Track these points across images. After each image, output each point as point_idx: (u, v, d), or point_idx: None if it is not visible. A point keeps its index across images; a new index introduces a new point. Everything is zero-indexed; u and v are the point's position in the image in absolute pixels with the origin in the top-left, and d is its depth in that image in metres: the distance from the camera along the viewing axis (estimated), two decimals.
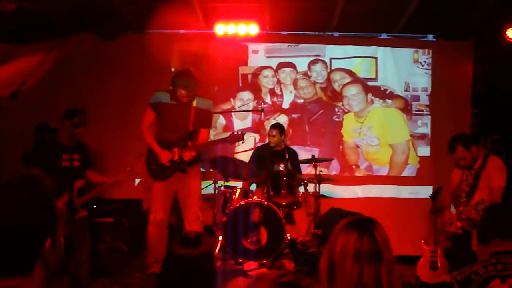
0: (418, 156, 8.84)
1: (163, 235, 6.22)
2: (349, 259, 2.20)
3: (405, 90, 8.94)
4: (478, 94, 8.69)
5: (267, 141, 7.98)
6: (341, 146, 8.89)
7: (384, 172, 8.88)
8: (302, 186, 7.43)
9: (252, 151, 7.96)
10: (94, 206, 7.18)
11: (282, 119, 8.76)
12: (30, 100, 7.96)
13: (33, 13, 7.67)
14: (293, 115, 8.91)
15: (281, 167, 7.33)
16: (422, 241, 5.89)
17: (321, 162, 7.80)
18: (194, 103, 6.20)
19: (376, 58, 8.99)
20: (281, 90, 8.99)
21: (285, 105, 8.93)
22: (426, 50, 8.97)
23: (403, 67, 8.94)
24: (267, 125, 8.48)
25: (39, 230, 1.73)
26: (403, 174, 8.84)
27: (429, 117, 8.88)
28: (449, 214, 6.04)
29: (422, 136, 8.89)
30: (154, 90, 6.67)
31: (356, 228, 2.27)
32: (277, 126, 7.78)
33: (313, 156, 7.65)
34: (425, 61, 8.95)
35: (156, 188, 6.24)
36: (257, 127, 8.86)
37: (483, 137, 8.58)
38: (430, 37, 9.03)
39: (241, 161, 7.60)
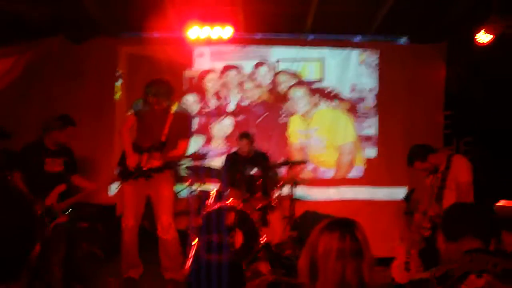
0: (365, 157, 8.96)
1: (135, 241, 6.19)
2: (333, 257, 2.28)
3: (351, 91, 9.03)
4: (451, 96, 8.76)
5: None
6: (287, 148, 8.96)
7: (330, 174, 8.97)
8: (277, 189, 7.44)
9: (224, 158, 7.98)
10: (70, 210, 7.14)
11: (228, 122, 8.86)
12: (1, 104, 7.87)
13: (4, 16, 7.58)
14: (239, 118, 8.96)
15: (255, 170, 7.33)
16: (397, 242, 5.92)
17: (296, 164, 7.81)
18: (172, 115, 6.15)
19: (321, 60, 9.07)
20: (226, 93, 9.02)
21: (231, 107, 8.97)
22: (373, 51, 9.08)
23: (349, 69, 9.03)
24: (213, 128, 8.73)
25: (26, 235, 1.70)
26: (350, 176, 8.94)
27: (376, 118, 9.00)
28: (419, 215, 6.08)
29: (369, 138, 9.00)
30: (126, 93, 6.65)
31: (338, 228, 2.36)
32: (246, 136, 7.82)
33: (286, 159, 7.67)
34: (371, 63, 9.06)
35: (126, 192, 6.20)
36: (202, 131, 8.86)
37: (456, 139, 8.67)
38: (403, 40, 9.11)
39: (215, 168, 7.63)
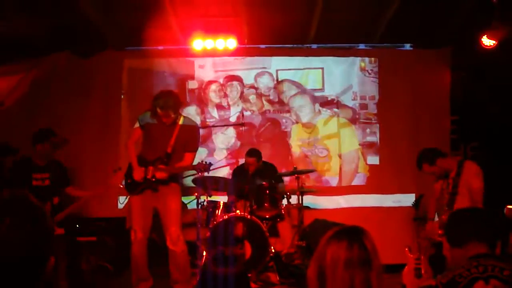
0: (368, 164, 8.94)
1: (143, 254, 6.18)
2: (341, 267, 2.25)
3: (352, 99, 9.03)
4: (456, 101, 8.75)
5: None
6: (290, 157, 8.95)
7: (334, 182, 8.96)
8: (285, 198, 7.44)
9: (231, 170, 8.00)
10: (77, 226, 7.16)
11: (230, 133, 8.84)
12: (9, 121, 7.92)
13: (10, 33, 7.63)
14: (241, 128, 8.80)
15: (263, 181, 7.34)
16: (406, 249, 5.91)
17: (303, 173, 7.80)
18: (178, 128, 6.14)
19: (322, 68, 9.08)
20: (228, 104, 9.04)
21: (233, 118, 8.94)
22: (373, 58, 9.10)
23: (353, 76, 9.05)
24: (216, 139, 8.77)
25: (42, 248, 1.72)
26: (354, 183, 8.93)
27: (378, 125, 9.01)
28: (432, 222, 6.07)
29: (371, 145, 8.99)
30: (133, 107, 6.68)
31: (346, 237, 2.32)
32: (254, 155, 7.84)
33: (295, 168, 7.67)
34: (372, 70, 9.07)
35: (133, 204, 6.21)
36: (205, 142, 8.86)
37: (463, 144, 8.66)
38: (407, 46, 9.12)
39: (222, 177, 7.63)
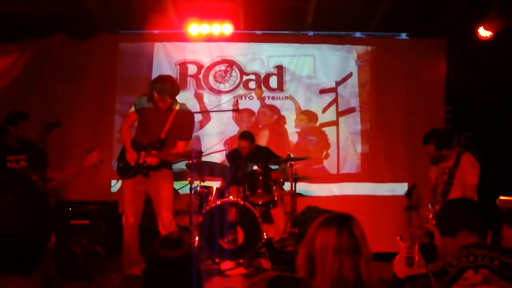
0: (361, 153, 8.97)
1: (135, 238, 6.20)
2: (330, 253, 2.27)
3: (349, 87, 9.05)
4: (451, 91, 8.76)
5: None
6: (287, 144, 8.97)
7: (332, 170, 8.99)
8: (278, 184, 7.44)
9: (225, 153, 7.98)
10: (70, 209, 7.15)
11: (228, 118, 8.91)
12: (3, 102, 7.89)
13: (5, 14, 7.59)
14: (236, 114, 8.85)
15: (256, 167, 7.34)
16: (398, 237, 5.92)
17: (298, 160, 7.80)
18: (174, 114, 6.13)
19: (314, 56, 9.09)
20: (227, 89, 9.08)
21: (227, 104, 8.79)
22: (366, 47, 9.12)
23: (348, 65, 9.06)
24: (213, 124, 8.86)
25: (42, 227, 1.73)
26: (347, 171, 8.95)
27: (375, 113, 9.02)
28: (425, 212, 6.08)
29: (364, 133, 9.01)
30: (128, 91, 6.66)
31: (335, 224, 2.34)
32: (247, 137, 7.82)
33: (289, 154, 7.67)
34: (371, 58, 9.08)
35: (125, 189, 6.22)
36: (201, 126, 8.91)
37: (457, 133, 8.67)
38: (403, 36, 9.12)
39: (216, 162, 7.63)
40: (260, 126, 8.99)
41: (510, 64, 7.75)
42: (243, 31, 8.89)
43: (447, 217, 3.19)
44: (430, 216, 5.92)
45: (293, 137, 8.99)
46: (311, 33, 9.10)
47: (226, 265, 6.62)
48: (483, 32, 7.64)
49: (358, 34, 9.15)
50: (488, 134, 8.17)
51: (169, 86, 6.03)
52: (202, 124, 8.87)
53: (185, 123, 6.23)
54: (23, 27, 7.95)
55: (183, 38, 8.63)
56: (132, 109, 6.28)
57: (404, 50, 9.00)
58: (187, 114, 6.30)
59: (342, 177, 8.91)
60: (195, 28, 8.30)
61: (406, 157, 8.71)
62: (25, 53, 8.34)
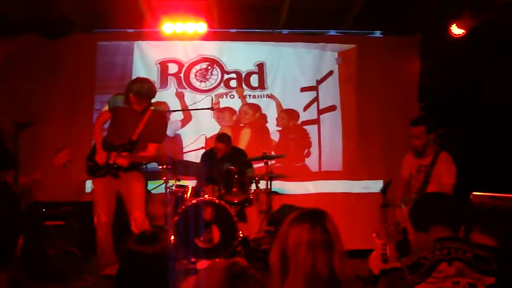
0: (339, 150, 9.03)
1: (109, 238, 6.16)
2: (303, 249, 2.27)
3: (325, 86, 9.11)
4: (424, 88, 8.82)
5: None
6: (269, 142, 8.99)
7: (313, 168, 9.03)
8: (254, 183, 7.44)
9: (202, 151, 7.94)
10: (44, 210, 7.07)
11: (209, 117, 8.89)
12: None
13: None
14: (216, 113, 8.98)
15: (231, 166, 7.32)
16: (374, 234, 5.93)
17: (272, 158, 7.80)
18: (148, 117, 6.09)
19: (293, 54, 9.17)
20: (201, 87, 9.08)
21: (203, 102, 8.64)
22: (347, 45, 9.16)
23: (322, 63, 9.13)
24: (195, 123, 8.81)
25: (12, 227, 1.73)
26: (326, 169, 9.00)
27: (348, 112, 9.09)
28: (400, 209, 6.10)
29: (343, 130, 9.06)
30: (107, 90, 6.62)
31: (308, 220, 2.35)
32: (224, 140, 7.77)
33: (264, 153, 7.66)
34: (346, 56, 9.14)
35: (96, 188, 6.19)
36: (183, 124, 8.90)
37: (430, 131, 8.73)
38: (377, 33, 9.17)
39: (191, 162, 7.60)
40: (241, 124, 8.99)
41: (483, 62, 7.83)
42: (217, 30, 8.85)
43: (421, 212, 3.22)
44: (406, 213, 5.94)
45: (275, 136, 8.99)
46: (285, 31, 9.10)
47: (202, 264, 6.60)
48: (456, 30, 7.70)
49: (332, 32, 9.16)
50: (461, 131, 8.24)
51: (146, 89, 5.98)
52: (183, 123, 8.85)
53: (158, 126, 6.21)
54: None
55: (163, 37, 8.58)
56: (106, 107, 6.24)
57: (379, 48, 9.03)
58: (160, 117, 6.29)
59: (324, 175, 8.93)
60: (169, 26, 8.26)
61: (382, 154, 8.75)
62: None
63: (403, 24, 8.67)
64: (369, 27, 9.09)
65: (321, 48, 9.09)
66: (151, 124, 6.11)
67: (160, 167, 6.39)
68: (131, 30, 8.84)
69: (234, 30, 9.08)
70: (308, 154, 8.99)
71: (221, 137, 7.82)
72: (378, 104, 8.94)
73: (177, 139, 8.72)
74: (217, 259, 6.60)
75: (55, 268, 6.32)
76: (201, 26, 8.30)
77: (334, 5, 8.36)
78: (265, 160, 7.46)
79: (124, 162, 5.98)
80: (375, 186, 8.11)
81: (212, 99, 7.78)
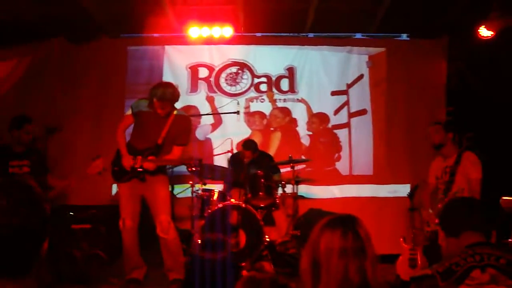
0: (370, 154, 8.95)
1: (134, 242, 6.18)
2: (335, 256, 2.24)
3: (355, 89, 9.04)
4: (452, 92, 8.73)
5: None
6: (299, 146, 8.94)
7: (344, 171, 8.97)
8: (280, 187, 7.42)
9: (229, 155, 7.92)
10: (71, 213, 7.12)
11: (240, 121, 8.79)
12: (3, 107, 7.87)
13: (4, 18, 7.58)
14: (247, 117, 8.99)
15: (258, 170, 7.31)
16: (401, 239, 5.90)
17: (299, 162, 7.77)
18: (172, 120, 6.09)
19: (323, 58, 9.10)
20: (231, 91, 9.06)
21: (229, 106, 8.67)
22: (375, 48, 9.08)
23: (352, 66, 9.06)
24: (225, 127, 8.75)
25: (36, 232, 1.73)
26: (357, 173, 8.92)
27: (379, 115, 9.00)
28: (427, 213, 6.04)
29: (374, 134, 8.98)
30: (137, 95, 6.67)
31: (339, 226, 2.31)
32: (249, 148, 7.79)
33: (290, 157, 7.64)
34: (372, 60, 9.04)
35: (121, 193, 6.21)
36: (213, 129, 8.89)
37: (458, 135, 8.63)
38: (404, 36, 9.09)
39: (218, 166, 7.60)
40: (271, 128, 8.97)
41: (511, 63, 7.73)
42: (246, 34, 8.85)
43: (451, 217, 3.17)
44: (433, 216, 5.87)
45: (305, 140, 8.95)
46: (311, 35, 9.08)
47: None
48: (485, 32, 7.61)
49: (358, 35, 9.11)
50: (490, 135, 8.13)
51: (169, 94, 5.98)
52: (214, 127, 8.86)
53: (182, 129, 6.20)
54: (22, 31, 7.93)
55: (192, 41, 8.59)
56: (129, 112, 6.23)
57: (406, 51, 8.96)
58: (184, 120, 6.27)
59: (355, 179, 8.87)
60: (195, 31, 8.28)
61: (408, 158, 8.68)
62: (24, 58, 8.32)
63: (430, 27, 8.58)
64: (396, 30, 9.01)
65: (349, 52, 9.02)
66: (174, 128, 6.11)
67: (189, 169, 6.37)
68: (156, 35, 8.85)
69: (260, 34, 9.07)
70: (339, 158, 8.92)
71: (247, 145, 7.83)
72: (403, 107, 8.86)
73: (207, 143, 8.73)
74: (243, 263, 6.59)
75: (81, 270, 6.37)
76: (227, 30, 8.31)
77: (361, 8, 8.31)
78: (291, 164, 7.44)
79: (151, 166, 5.97)
80: (402, 190, 8.06)
81: (238, 103, 7.74)
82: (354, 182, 8.81)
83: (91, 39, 8.63)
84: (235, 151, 7.86)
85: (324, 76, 9.03)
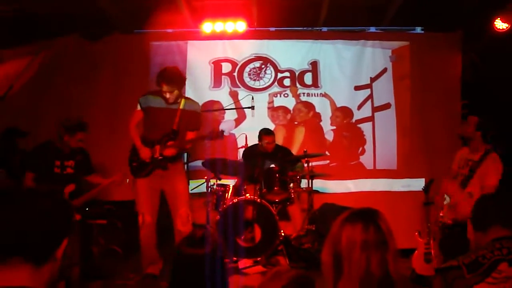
0: (394, 148, 8.89)
1: (152, 237, 6.22)
2: (357, 249, 2.25)
3: (379, 84, 8.98)
4: (467, 85, 8.68)
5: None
6: (323, 141, 8.91)
7: (369, 166, 8.93)
8: (295, 182, 7.41)
9: (242, 150, 7.92)
10: (87, 209, 7.16)
11: (263, 116, 8.86)
12: (18, 104, 7.91)
13: (18, 16, 7.61)
14: (272, 113, 8.98)
15: (273, 164, 7.31)
16: (416, 233, 5.88)
17: (314, 157, 7.75)
18: (181, 106, 6.15)
19: (345, 52, 9.06)
20: (262, 87, 9.04)
21: (244, 101, 8.58)
22: (389, 42, 9.04)
23: (364, 60, 9.02)
24: (248, 122, 8.65)
25: (60, 229, 1.82)
26: (381, 167, 8.88)
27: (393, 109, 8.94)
28: (441, 200, 5.99)
29: (398, 128, 8.91)
30: (143, 90, 6.68)
31: (360, 219, 2.32)
32: (272, 133, 7.81)
33: (305, 151, 7.63)
34: (386, 54, 9.01)
35: (139, 188, 6.21)
36: (237, 124, 8.85)
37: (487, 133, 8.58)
38: (418, 30, 9.05)
39: (232, 160, 7.59)
40: (295, 123, 8.96)
41: None
42: (257, 28, 8.85)
43: (481, 211, 3.14)
44: (445, 209, 5.84)
45: (329, 135, 8.92)
46: (325, 29, 9.05)
47: (244, 263, 6.62)
48: (500, 24, 7.56)
49: (372, 29, 9.06)
50: (505, 128, 8.08)
51: (177, 76, 6.08)
52: (238, 122, 8.84)
53: (192, 114, 6.26)
54: (36, 28, 7.95)
55: (216, 36, 8.60)
56: (138, 107, 6.27)
57: (420, 45, 8.90)
58: (193, 105, 6.35)
59: (379, 173, 8.84)
60: (208, 26, 8.29)
61: (423, 152, 8.65)
62: (39, 55, 8.34)
63: (444, 20, 8.52)
64: (409, 24, 8.96)
65: (372, 46, 8.98)
66: (185, 114, 6.17)
67: (213, 139, 6.36)
68: (170, 30, 8.85)
69: (273, 29, 9.06)
70: (363, 152, 8.90)
71: (267, 130, 7.84)
72: (418, 101, 8.81)
73: (231, 138, 8.72)
74: (261, 266, 6.61)
75: (97, 265, 6.42)
76: (240, 25, 8.31)
77: (374, 1, 8.32)
78: (306, 159, 7.43)
79: (172, 151, 6.04)
80: (416, 184, 8.04)
81: (252, 98, 7.72)
82: (378, 176, 8.79)
83: (105, 35, 8.63)
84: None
85: (347, 70, 9.00)
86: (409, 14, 8.48)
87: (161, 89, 6.06)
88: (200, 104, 8.25)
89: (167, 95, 6.04)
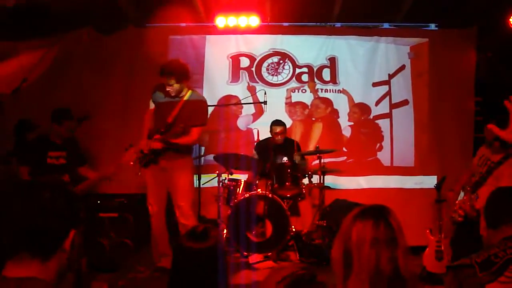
0: (411, 144, 8.85)
1: (162, 228, 6.23)
2: (367, 246, 2.23)
3: (397, 80, 8.95)
4: (481, 83, 8.62)
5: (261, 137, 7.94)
6: (341, 137, 8.91)
7: (386, 162, 8.91)
8: (307, 177, 7.41)
9: (255, 145, 7.91)
10: (98, 202, 7.20)
11: (280, 110, 8.83)
12: (32, 97, 7.95)
13: (33, 9, 7.63)
14: (288, 108, 8.97)
15: (285, 159, 7.31)
16: (427, 231, 5.87)
17: (326, 153, 7.73)
18: (186, 97, 6.12)
19: (363, 48, 9.03)
20: (280, 82, 9.04)
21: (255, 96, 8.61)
22: (403, 38, 9.00)
23: (377, 57, 8.99)
24: (265, 116, 8.42)
25: (66, 223, 1.88)
26: (398, 164, 8.86)
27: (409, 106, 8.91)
28: (456, 195, 5.95)
29: (416, 125, 8.88)
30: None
31: (371, 216, 2.31)
32: (282, 124, 7.76)
33: (317, 147, 7.62)
34: (400, 50, 8.97)
35: (147, 179, 6.22)
36: (255, 119, 8.84)
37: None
38: (432, 26, 9.00)
39: (243, 155, 7.58)
40: (313, 118, 8.95)
41: None
42: (270, 23, 8.83)
43: (494, 208, 3.10)
44: (457, 206, 5.80)
45: (347, 131, 8.92)
46: (338, 24, 9.03)
47: (254, 258, 6.63)
48: None
49: (386, 25, 9.03)
50: None
51: (177, 69, 6.00)
52: (256, 117, 8.83)
53: (196, 109, 6.15)
54: (51, 21, 7.97)
55: (235, 31, 8.60)
56: (152, 105, 6.32)
57: (434, 41, 8.86)
58: (198, 101, 6.24)
59: (396, 170, 8.83)
60: (221, 20, 8.29)
61: (435, 150, 8.61)
62: (53, 48, 8.38)
63: (458, 16, 8.47)
64: (423, 20, 8.93)
65: (391, 43, 8.96)
66: (188, 107, 6.10)
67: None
68: (183, 24, 8.85)
69: (286, 24, 9.05)
70: (380, 148, 8.89)
71: (277, 121, 7.81)
72: (431, 98, 8.79)
73: (249, 133, 8.72)
74: (271, 261, 6.61)
75: (108, 259, 6.45)
76: (253, 20, 8.30)
77: None
78: (318, 155, 7.41)
79: (157, 145, 5.97)
80: (428, 181, 8.02)
81: (265, 93, 7.70)
82: (395, 173, 8.77)
83: (119, 29, 8.65)
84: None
85: (361, 66, 8.99)
86: (422, 11, 8.43)
87: (164, 85, 6.07)
88: (218, 98, 8.26)
89: (167, 88, 6.03)
